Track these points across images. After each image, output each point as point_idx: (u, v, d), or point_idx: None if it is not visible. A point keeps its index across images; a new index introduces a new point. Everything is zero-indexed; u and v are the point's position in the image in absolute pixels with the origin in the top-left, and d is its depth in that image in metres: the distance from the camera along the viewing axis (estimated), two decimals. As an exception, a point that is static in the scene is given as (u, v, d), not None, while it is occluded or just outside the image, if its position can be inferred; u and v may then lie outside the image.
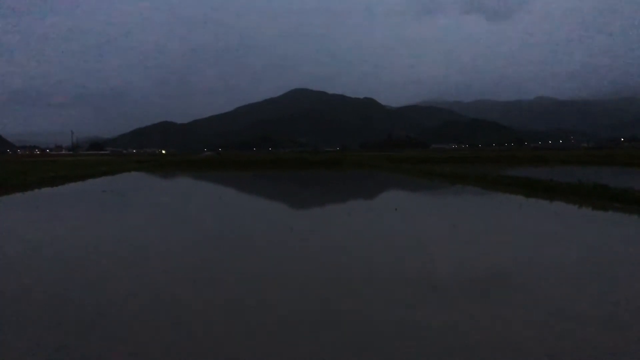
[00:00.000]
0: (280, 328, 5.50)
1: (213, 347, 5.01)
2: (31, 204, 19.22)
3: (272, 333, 5.34)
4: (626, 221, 13.39)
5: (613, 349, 4.89)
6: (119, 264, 8.63)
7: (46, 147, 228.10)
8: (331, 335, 5.25)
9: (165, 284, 7.29)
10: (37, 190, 23.75)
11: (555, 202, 17.13)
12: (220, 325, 5.62)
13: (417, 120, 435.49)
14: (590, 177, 21.83)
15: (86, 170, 37.20)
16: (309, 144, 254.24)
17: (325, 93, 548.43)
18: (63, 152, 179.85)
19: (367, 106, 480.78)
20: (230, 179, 35.81)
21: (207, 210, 17.18)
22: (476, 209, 16.97)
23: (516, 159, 55.21)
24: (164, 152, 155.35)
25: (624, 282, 7.31)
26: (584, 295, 6.66)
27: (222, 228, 13.01)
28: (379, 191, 25.58)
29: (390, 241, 10.68)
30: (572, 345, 4.97)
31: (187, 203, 19.95)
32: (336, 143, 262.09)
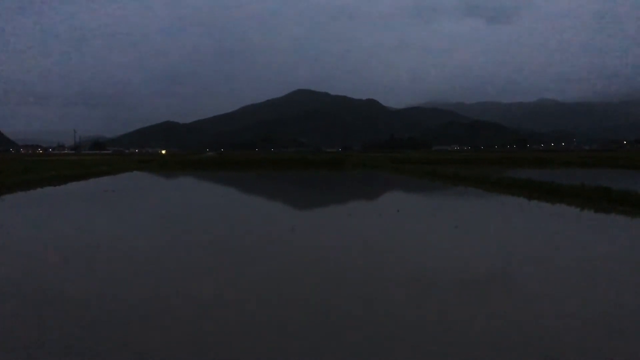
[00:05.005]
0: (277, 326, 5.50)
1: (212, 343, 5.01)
2: (33, 203, 19.22)
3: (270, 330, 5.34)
4: (629, 223, 13.35)
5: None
6: (118, 264, 8.63)
7: (49, 146, 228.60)
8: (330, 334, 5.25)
9: (168, 282, 7.29)
10: (39, 189, 23.76)
11: (557, 204, 17.08)
12: (219, 320, 5.63)
13: (419, 122, 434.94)
14: (593, 180, 21.75)
15: (88, 170, 37.23)
16: (311, 145, 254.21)
17: (328, 94, 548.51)
18: (65, 151, 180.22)
19: (370, 107, 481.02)
20: (231, 179, 35.79)
21: (208, 210, 17.17)
22: (478, 211, 16.94)
23: (518, 161, 55.04)
24: (163, 152, 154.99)
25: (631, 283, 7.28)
26: (585, 295, 6.64)
27: (224, 227, 13.00)
28: (381, 192, 25.54)
29: (392, 242, 10.66)
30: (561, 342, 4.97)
31: (189, 203, 19.93)
32: (338, 144, 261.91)
